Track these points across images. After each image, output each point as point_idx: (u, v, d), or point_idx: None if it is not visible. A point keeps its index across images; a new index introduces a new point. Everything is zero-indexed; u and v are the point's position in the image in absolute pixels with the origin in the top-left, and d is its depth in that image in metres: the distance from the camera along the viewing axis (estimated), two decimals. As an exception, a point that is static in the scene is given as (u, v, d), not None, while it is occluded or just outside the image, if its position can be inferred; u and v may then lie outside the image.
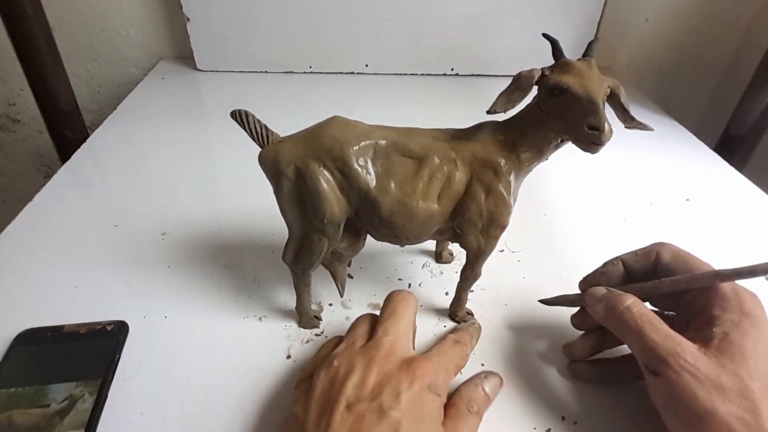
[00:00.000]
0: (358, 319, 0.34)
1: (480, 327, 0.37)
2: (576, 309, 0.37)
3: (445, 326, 0.39)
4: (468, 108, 0.70)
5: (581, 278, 0.36)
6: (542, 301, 0.38)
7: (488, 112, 0.30)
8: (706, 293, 0.31)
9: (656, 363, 0.28)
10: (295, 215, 0.33)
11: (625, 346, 0.31)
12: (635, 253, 0.35)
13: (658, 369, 0.28)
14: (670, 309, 0.34)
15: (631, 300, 0.31)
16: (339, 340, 0.33)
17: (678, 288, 0.31)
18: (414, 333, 0.34)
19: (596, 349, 0.35)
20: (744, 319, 0.28)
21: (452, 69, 0.85)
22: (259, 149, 0.33)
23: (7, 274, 0.42)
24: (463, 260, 0.36)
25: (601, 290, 0.33)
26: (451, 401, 0.30)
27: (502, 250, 0.47)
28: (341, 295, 0.40)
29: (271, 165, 0.32)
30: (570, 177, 0.59)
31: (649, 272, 0.34)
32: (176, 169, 0.58)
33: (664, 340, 0.28)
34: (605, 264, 0.36)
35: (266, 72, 0.83)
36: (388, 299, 0.34)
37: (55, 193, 0.53)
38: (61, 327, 0.37)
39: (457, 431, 0.28)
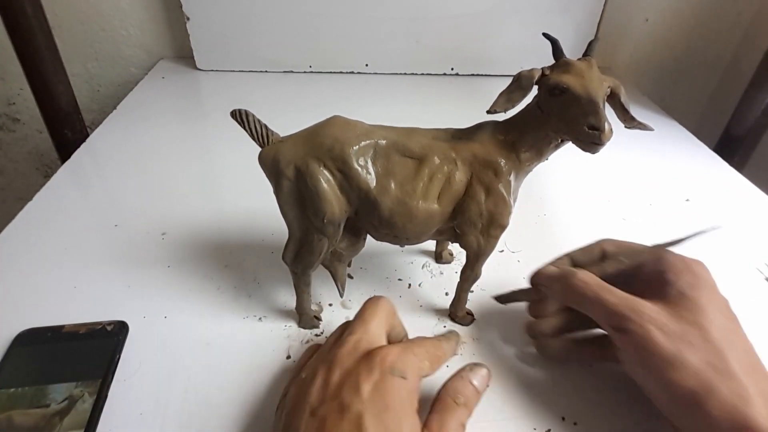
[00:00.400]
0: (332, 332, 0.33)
1: (459, 336, 0.34)
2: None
3: (444, 326, 0.39)
4: (468, 108, 0.70)
5: (531, 273, 0.36)
6: (496, 298, 0.39)
7: (488, 112, 0.30)
8: (657, 266, 0.32)
9: (620, 321, 0.29)
10: (295, 215, 0.33)
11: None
12: (581, 249, 0.37)
13: (623, 325, 0.29)
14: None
15: (585, 273, 0.32)
16: (315, 348, 0.33)
17: (622, 265, 0.33)
18: (403, 333, 0.33)
19: (561, 330, 0.36)
20: (695, 280, 0.31)
21: (452, 69, 0.85)
22: (259, 149, 0.33)
23: (7, 274, 0.42)
24: (463, 260, 0.36)
25: (553, 269, 0.34)
26: (437, 396, 0.29)
27: (502, 251, 0.47)
28: (341, 295, 0.40)
29: (271, 165, 0.32)
30: (570, 177, 0.59)
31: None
32: (176, 168, 0.58)
33: (624, 301, 0.30)
34: (554, 260, 0.37)
35: (266, 71, 0.83)
36: (361, 307, 0.32)
37: (55, 192, 0.53)
38: (61, 327, 0.37)
39: (443, 424, 0.27)
